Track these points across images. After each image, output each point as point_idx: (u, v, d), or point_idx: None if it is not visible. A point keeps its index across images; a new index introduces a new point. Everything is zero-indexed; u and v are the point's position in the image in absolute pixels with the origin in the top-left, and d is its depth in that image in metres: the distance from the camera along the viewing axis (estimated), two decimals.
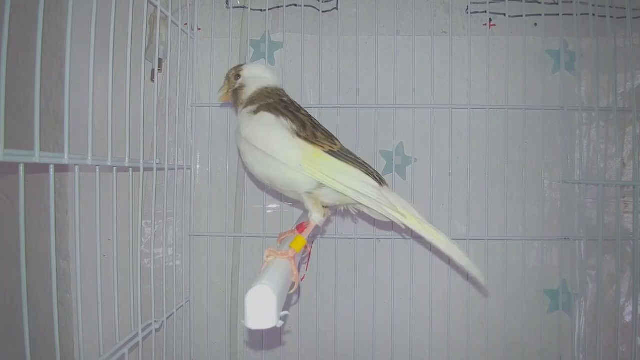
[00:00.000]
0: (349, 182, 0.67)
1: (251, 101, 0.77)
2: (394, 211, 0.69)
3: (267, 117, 0.72)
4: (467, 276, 1.05)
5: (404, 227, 0.71)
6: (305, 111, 0.76)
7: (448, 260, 1.04)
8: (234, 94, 0.81)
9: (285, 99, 0.78)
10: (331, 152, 0.69)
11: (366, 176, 0.69)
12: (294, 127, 0.70)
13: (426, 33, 1.07)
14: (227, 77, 0.83)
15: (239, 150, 0.76)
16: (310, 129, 0.71)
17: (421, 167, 1.06)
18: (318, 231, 0.90)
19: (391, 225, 1.05)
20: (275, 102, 0.75)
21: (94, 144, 0.64)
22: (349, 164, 0.69)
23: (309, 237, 0.70)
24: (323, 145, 0.69)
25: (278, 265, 0.59)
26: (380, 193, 0.68)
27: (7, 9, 0.50)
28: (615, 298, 1.00)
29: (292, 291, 0.61)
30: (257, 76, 0.80)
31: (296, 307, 1.05)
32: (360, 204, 0.71)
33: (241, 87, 0.80)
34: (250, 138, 0.70)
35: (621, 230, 0.96)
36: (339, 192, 0.68)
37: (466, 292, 1.05)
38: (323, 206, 0.72)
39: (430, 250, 1.03)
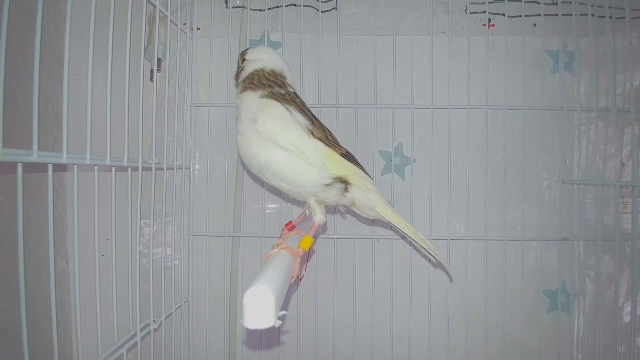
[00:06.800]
0: (359, 180, 0.74)
1: (251, 85, 0.74)
2: (388, 209, 0.77)
3: (277, 108, 0.71)
4: (466, 276, 1.05)
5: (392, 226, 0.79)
6: (308, 107, 0.77)
7: (447, 260, 1.04)
8: (236, 77, 0.80)
9: (290, 89, 0.77)
10: (343, 155, 0.74)
11: (369, 177, 0.76)
12: (309, 126, 0.71)
13: (426, 33, 1.07)
14: (237, 61, 0.82)
15: (238, 132, 0.72)
16: (321, 129, 0.73)
17: (420, 167, 1.06)
18: (320, 231, 0.91)
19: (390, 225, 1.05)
20: (286, 93, 0.74)
21: (93, 143, 0.64)
22: (356, 165, 0.75)
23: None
24: (336, 149, 0.73)
25: (278, 264, 0.59)
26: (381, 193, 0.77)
27: (6, 9, 0.50)
28: (614, 299, 1.00)
29: (293, 280, 0.64)
30: (256, 59, 0.78)
31: (295, 307, 1.05)
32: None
33: (242, 70, 0.79)
34: (270, 134, 0.68)
35: (620, 231, 0.96)
36: (343, 193, 0.72)
37: (465, 292, 1.05)
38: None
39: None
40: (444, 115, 1.05)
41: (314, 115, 0.75)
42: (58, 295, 1.00)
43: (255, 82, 0.75)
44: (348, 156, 0.74)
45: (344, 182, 0.72)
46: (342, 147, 0.75)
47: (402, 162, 1.08)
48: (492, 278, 1.03)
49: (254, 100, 0.72)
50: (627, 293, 1.03)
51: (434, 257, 0.79)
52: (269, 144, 0.68)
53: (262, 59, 0.77)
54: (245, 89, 0.75)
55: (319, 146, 0.71)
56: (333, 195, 0.72)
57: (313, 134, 0.71)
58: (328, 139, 0.73)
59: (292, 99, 0.74)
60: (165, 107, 0.94)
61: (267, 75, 0.76)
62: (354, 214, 1.03)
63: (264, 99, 0.72)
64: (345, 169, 0.72)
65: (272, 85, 0.75)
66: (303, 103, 0.75)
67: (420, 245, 0.78)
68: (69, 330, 1.02)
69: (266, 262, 0.62)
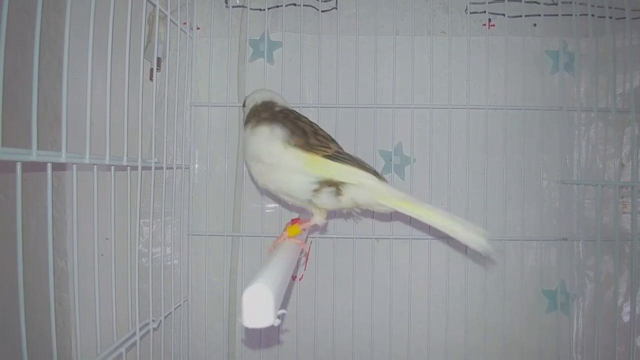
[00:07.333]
0: (346, 177, 0.69)
1: (248, 122, 0.81)
2: (399, 199, 0.69)
3: (261, 131, 0.75)
4: (465, 276, 1.05)
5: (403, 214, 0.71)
6: (307, 118, 0.79)
7: (446, 260, 1.04)
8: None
9: (277, 109, 0.81)
10: (326, 156, 0.71)
11: (362, 171, 0.70)
12: (286, 135, 0.73)
13: (425, 33, 1.07)
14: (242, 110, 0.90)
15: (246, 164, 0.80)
16: (302, 136, 0.73)
17: (420, 167, 1.06)
18: (317, 230, 0.91)
19: (390, 218, 1.05)
20: (272, 114, 0.79)
21: (92, 142, 0.64)
22: (343, 163, 0.71)
23: (306, 238, 0.72)
24: (317, 152, 0.71)
25: (277, 262, 0.59)
26: (377, 180, 0.70)
27: (5, 7, 0.50)
28: (613, 298, 1.00)
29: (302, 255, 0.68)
30: (251, 100, 0.85)
31: (294, 306, 1.05)
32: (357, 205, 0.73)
33: (244, 113, 0.86)
34: (256, 153, 0.74)
35: (619, 231, 0.96)
36: (337, 196, 0.70)
37: (464, 291, 1.05)
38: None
39: (429, 250, 1.03)
40: (443, 115, 1.05)
41: (297, 123, 0.75)
42: (57, 295, 1.00)
43: (250, 117, 0.81)
44: (337, 156, 0.71)
45: (333, 185, 0.69)
46: (329, 147, 0.73)
47: (402, 161, 1.08)
48: (491, 278, 1.03)
49: (247, 132, 0.79)
50: (626, 293, 1.03)
51: (472, 246, 0.69)
52: (261, 164, 0.74)
53: (254, 98, 0.85)
54: (245, 128, 0.82)
55: (296, 153, 0.71)
56: (326, 200, 0.70)
57: (290, 143, 0.72)
58: (309, 143, 0.72)
59: (273, 116, 0.78)
60: (164, 106, 0.94)
61: (258, 107, 0.82)
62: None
63: (253, 128, 0.77)
64: (327, 169, 0.69)
65: (261, 113, 0.80)
66: (286, 115, 0.78)
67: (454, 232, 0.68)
68: (68, 330, 1.02)
69: (266, 260, 0.62)
